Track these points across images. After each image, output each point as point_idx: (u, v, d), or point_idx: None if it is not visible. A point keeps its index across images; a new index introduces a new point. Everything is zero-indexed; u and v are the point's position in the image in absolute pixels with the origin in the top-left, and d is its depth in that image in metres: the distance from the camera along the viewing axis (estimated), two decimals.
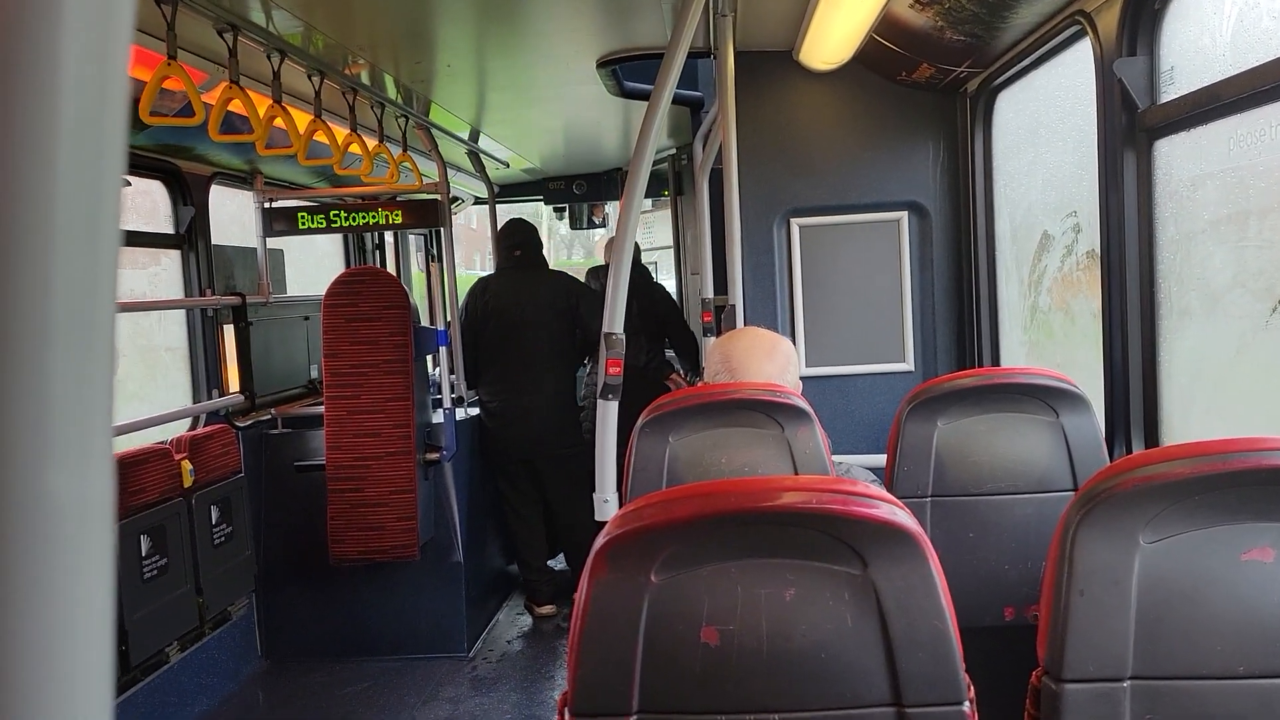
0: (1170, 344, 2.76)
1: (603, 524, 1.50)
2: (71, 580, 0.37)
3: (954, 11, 3.24)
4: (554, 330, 5.61)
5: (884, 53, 3.95)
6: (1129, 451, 2.88)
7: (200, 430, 4.71)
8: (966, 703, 1.37)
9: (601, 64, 4.39)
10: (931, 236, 4.35)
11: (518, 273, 5.73)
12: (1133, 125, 2.76)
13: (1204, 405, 2.63)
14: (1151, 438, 2.84)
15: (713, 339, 4.39)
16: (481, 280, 5.97)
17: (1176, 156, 2.67)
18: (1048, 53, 3.41)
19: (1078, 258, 3.43)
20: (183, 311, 4.90)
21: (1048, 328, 3.81)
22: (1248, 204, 2.32)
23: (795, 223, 4.42)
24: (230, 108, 3.41)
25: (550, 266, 6.10)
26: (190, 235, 4.77)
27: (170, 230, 4.74)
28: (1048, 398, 2.54)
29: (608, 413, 2.73)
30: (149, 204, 4.67)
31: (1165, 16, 2.66)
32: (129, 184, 4.40)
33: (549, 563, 5.96)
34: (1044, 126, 3.67)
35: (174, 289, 4.85)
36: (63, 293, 0.37)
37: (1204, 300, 2.56)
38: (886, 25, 3.67)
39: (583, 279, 6.26)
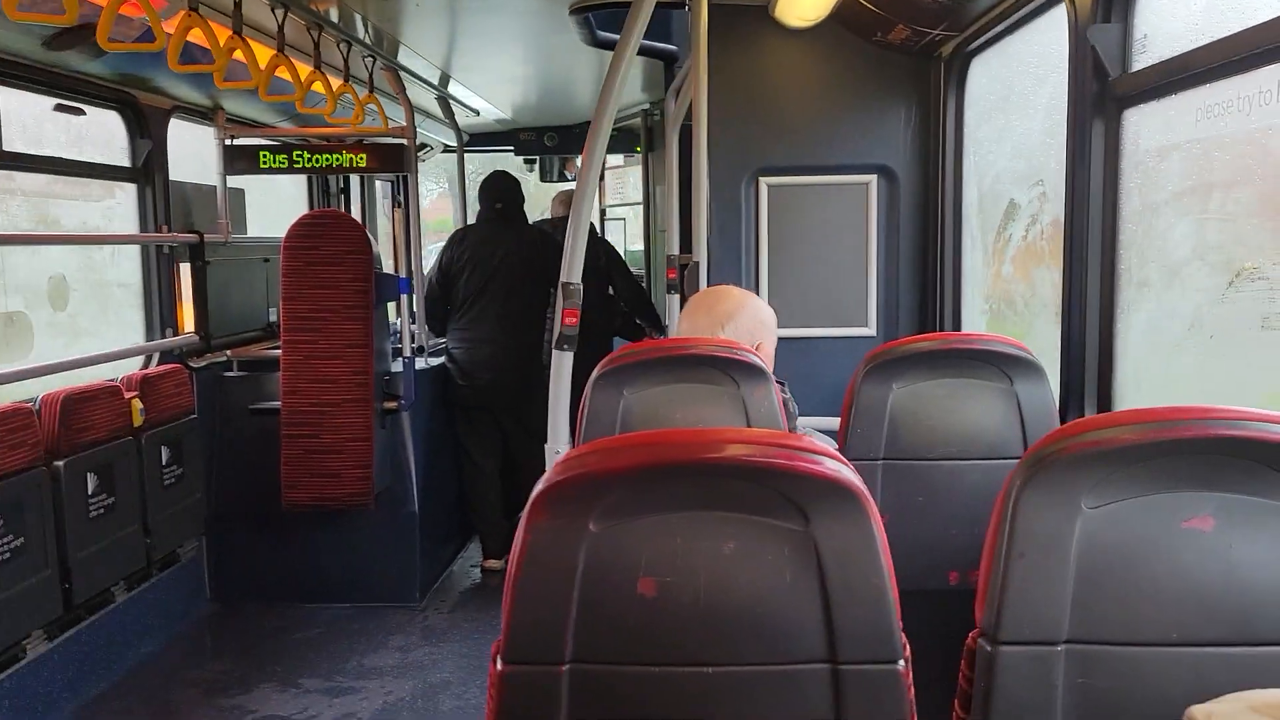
0: (1128, 315, 2.76)
1: None
2: None
3: None
4: (528, 284, 5.58)
5: (860, 11, 3.91)
6: None
7: (153, 369, 4.63)
8: (901, 661, 1.36)
9: (574, 10, 4.31)
10: (899, 201, 4.33)
11: (497, 225, 5.68)
12: (1103, 94, 2.74)
13: (1158, 376, 2.64)
14: (1105, 408, 2.85)
15: (675, 297, 4.36)
16: (460, 230, 5.96)
17: (1145, 126, 2.66)
18: (1023, 18, 3.38)
19: (1042, 227, 3.42)
20: (137, 248, 4.79)
21: (1009, 296, 3.81)
22: (1211, 177, 2.31)
23: (764, 181, 4.39)
24: (189, 38, 3.32)
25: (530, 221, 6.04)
26: (147, 169, 4.65)
27: (126, 163, 4.63)
28: (1003, 365, 2.54)
29: (562, 363, 2.70)
30: (104, 134, 4.55)
31: None
32: (83, 113, 4.28)
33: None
34: (1016, 94, 3.65)
35: (129, 224, 4.74)
36: None
37: (1163, 273, 2.57)
38: None
39: None
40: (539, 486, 1.37)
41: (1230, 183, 2.24)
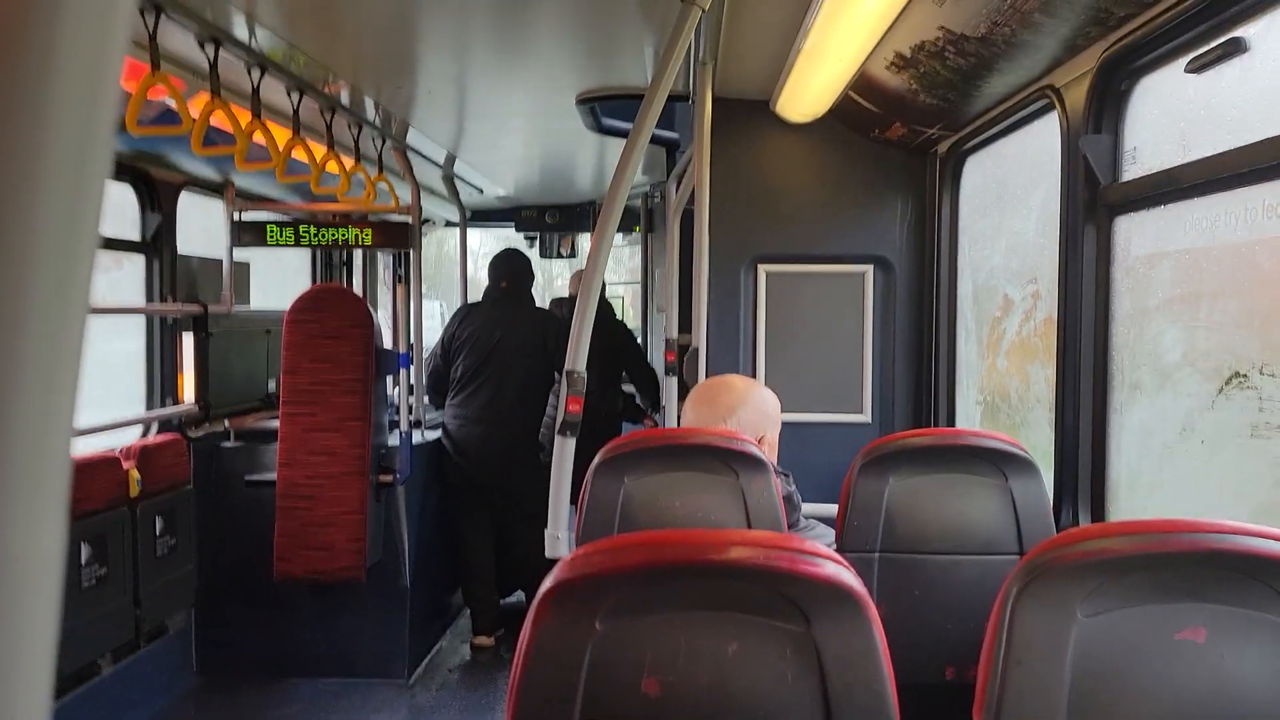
0: (1121, 417, 2.81)
1: (553, 561, 1.50)
2: (14, 637, 0.37)
3: (929, 76, 3.31)
4: (527, 365, 5.63)
5: (859, 110, 4.02)
6: (1075, 520, 2.92)
7: (151, 439, 4.65)
8: None
9: (581, 100, 4.43)
10: (895, 292, 4.41)
11: (501, 303, 5.75)
12: (1094, 200, 2.83)
13: (1151, 479, 2.68)
14: (1098, 508, 2.88)
15: (674, 379, 4.41)
16: (464, 306, 6.04)
17: (1136, 233, 2.73)
18: (1017, 122, 3.49)
19: (1036, 324, 3.49)
20: (140, 318, 4.84)
21: (1004, 389, 3.87)
22: (1200, 286, 2.38)
23: (763, 269, 4.46)
24: (210, 121, 3.41)
25: (536, 303, 6.10)
26: (156, 242, 4.73)
27: (136, 236, 4.70)
28: (998, 461, 2.58)
29: (564, 449, 2.73)
30: (112, 208, 4.63)
31: (1131, 98, 2.74)
32: None
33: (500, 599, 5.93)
34: (1010, 193, 3.74)
35: (135, 295, 4.80)
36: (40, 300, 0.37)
37: (1155, 376, 2.62)
38: (863, 84, 3.74)
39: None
40: (545, 584, 1.40)
41: (1218, 292, 2.31)
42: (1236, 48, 2.21)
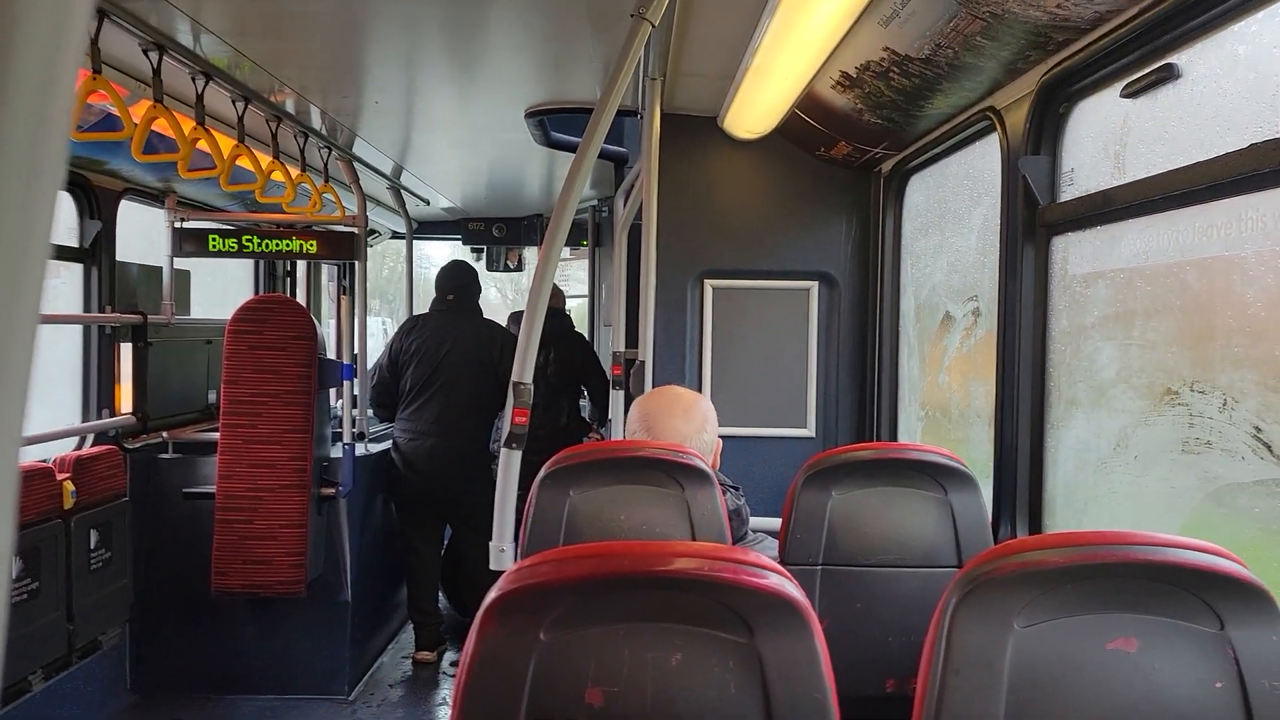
0: (1058, 432, 2.87)
1: (499, 573, 1.50)
2: None
3: (873, 96, 3.36)
4: (475, 376, 5.60)
5: (805, 128, 4.08)
6: (1013, 533, 2.97)
7: (86, 450, 4.55)
8: None
9: (530, 113, 4.44)
10: (839, 308, 4.47)
11: (449, 315, 5.72)
12: (1033, 220, 2.90)
13: (1086, 494, 2.74)
14: (1036, 521, 2.94)
15: (621, 392, 4.42)
16: (411, 318, 5.99)
17: (1072, 253, 2.80)
18: (959, 142, 3.56)
19: (976, 340, 3.55)
20: (77, 327, 4.75)
21: (945, 404, 3.93)
22: (1134, 305, 2.44)
23: (709, 284, 4.50)
24: (153, 127, 3.36)
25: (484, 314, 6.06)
26: (95, 250, 4.64)
27: (74, 243, 4.61)
28: (938, 475, 2.61)
29: (510, 461, 2.72)
30: None
31: (1069, 120, 2.81)
32: None
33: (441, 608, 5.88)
34: (952, 211, 3.81)
35: (72, 304, 4.70)
36: None
37: (1091, 393, 2.68)
38: (809, 102, 3.79)
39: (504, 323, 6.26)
40: (490, 595, 1.40)
41: (1151, 311, 2.37)
42: (1169, 74, 2.28)
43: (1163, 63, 2.30)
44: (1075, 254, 2.78)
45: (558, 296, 6.41)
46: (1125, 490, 2.50)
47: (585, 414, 6.30)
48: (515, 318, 6.49)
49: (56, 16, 0.38)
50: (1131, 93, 2.42)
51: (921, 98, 3.19)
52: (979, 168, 3.46)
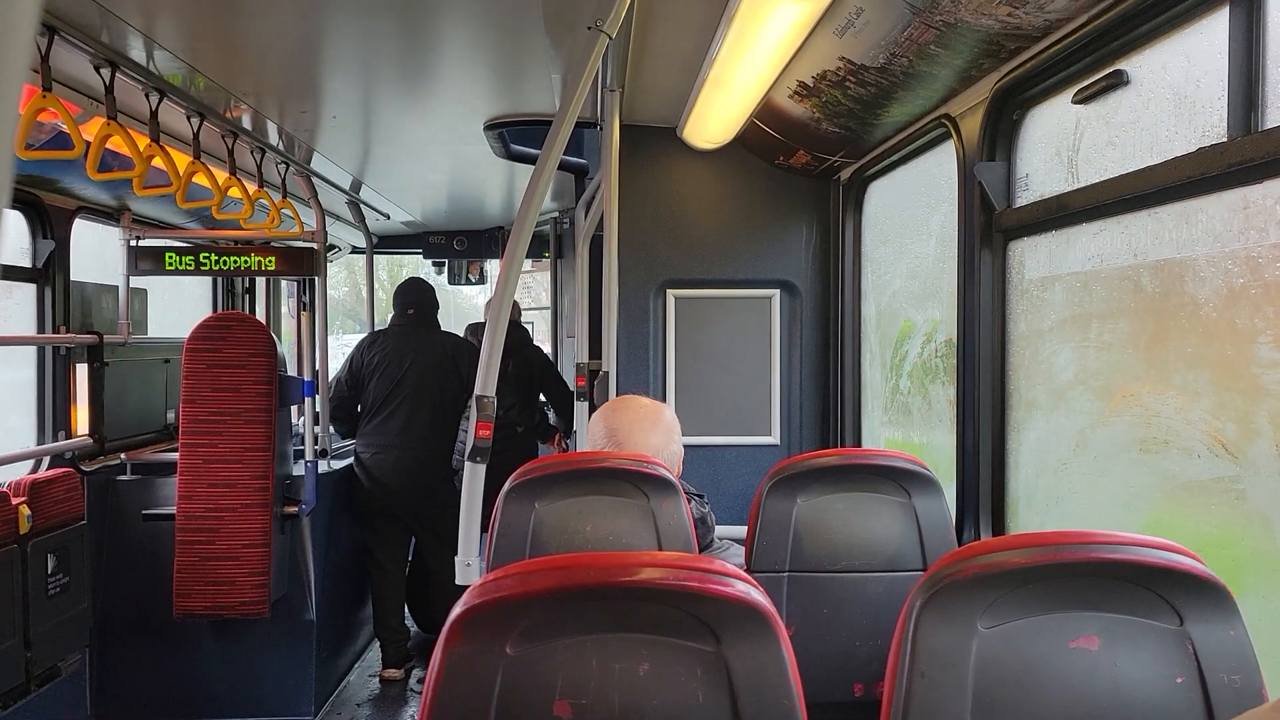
0: (1018, 434, 2.90)
1: (465, 588, 1.49)
2: None
3: (830, 105, 3.39)
4: (437, 390, 5.59)
5: (763, 137, 4.10)
6: (977, 535, 3.00)
7: (42, 474, 4.47)
8: None
9: (489, 126, 4.43)
10: (801, 315, 4.50)
11: (409, 330, 5.72)
12: (990, 225, 2.93)
13: (1049, 494, 2.77)
14: (998, 522, 2.96)
15: (585, 404, 4.42)
16: (371, 334, 5.99)
17: (1029, 257, 2.84)
18: (916, 150, 3.59)
19: (937, 345, 3.59)
20: (31, 348, 4.67)
21: (907, 410, 3.96)
22: (1090, 308, 2.48)
23: (671, 293, 4.51)
24: (107, 145, 3.32)
25: (442, 328, 6.04)
26: (49, 269, 4.57)
27: (27, 263, 4.54)
28: (901, 479, 2.63)
29: (475, 475, 2.71)
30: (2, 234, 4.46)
31: (1023, 126, 2.85)
32: None
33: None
34: (911, 219, 3.85)
35: (25, 325, 4.62)
36: None
37: (1050, 395, 2.71)
38: (767, 112, 3.81)
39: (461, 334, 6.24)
40: (455, 610, 1.39)
41: (1107, 314, 2.41)
42: (1119, 80, 2.32)
43: (1112, 69, 2.33)
44: (1032, 258, 2.82)
45: (513, 309, 6.40)
46: (1086, 490, 2.53)
47: (551, 422, 6.28)
48: (472, 328, 6.47)
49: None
50: (1083, 99, 2.45)
51: (878, 106, 3.22)
52: (937, 173, 3.50)
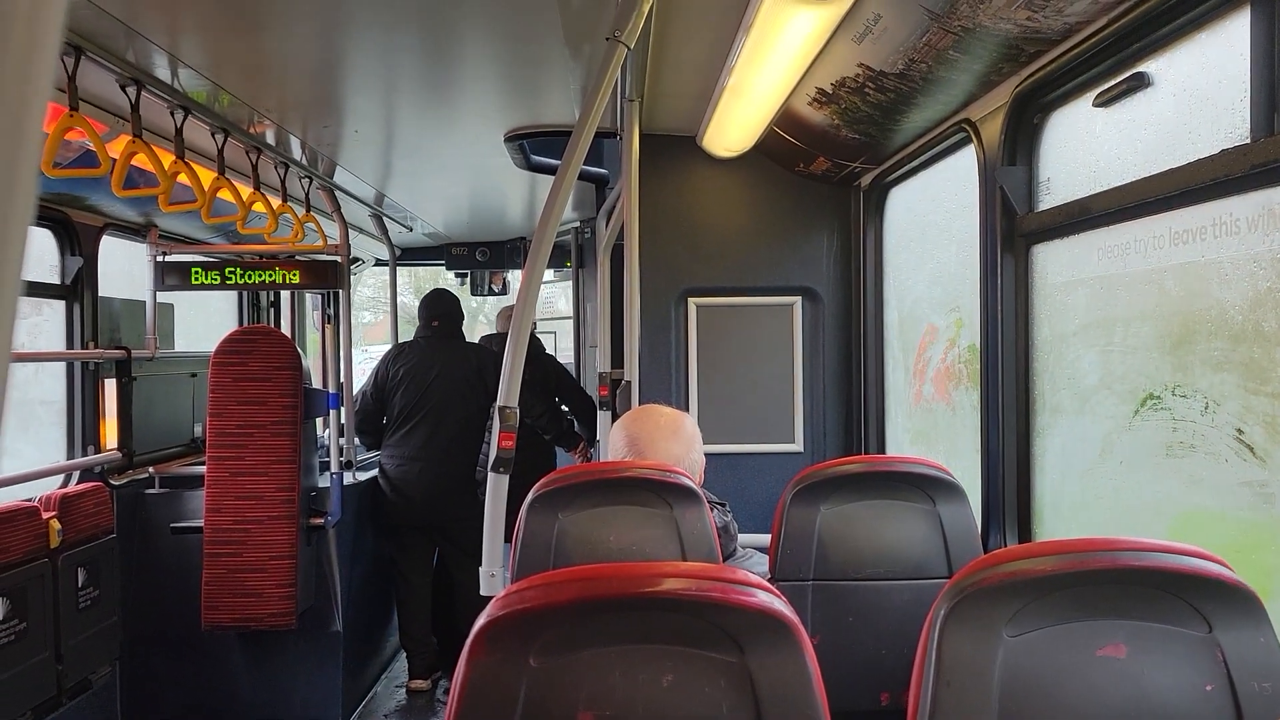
0: (1043, 440, 2.88)
1: (489, 599, 1.50)
2: None
3: (850, 111, 3.38)
4: (463, 401, 5.61)
5: (783, 145, 4.10)
6: (1003, 542, 2.98)
7: (72, 488, 4.52)
8: None
9: (509, 138, 4.45)
10: (823, 322, 4.49)
11: (434, 342, 5.75)
12: (1012, 230, 2.91)
13: (1073, 500, 2.75)
14: (1025, 529, 2.94)
15: (608, 414, 4.42)
16: (397, 346, 6.02)
17: (1052, 262, 2.82)
18: (936, 155, 3.58)
19: (960, 351, 3.57)
20: (61, 364, 4.72)
21: (931, 416, 3.94)
22: (1114, 311, 2.46)
23: (693, 302, 4.51)
24: (132, 162, 3.35)
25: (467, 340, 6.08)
26: (77, 286, 4.62)
27: (56, 279, 4.60)
28: (926, 487, 2.62)
29: (498, 485, 2.72)
30: (33, 252, 4.52)
31: (1044, 130, 2.83)
32: None
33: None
34: (932, 224, 3.83)
35: (55, 341, 4.68)
36: None
37: (1074, 400, 2.69)
38: (786, 119, 3.81)
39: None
40: (479, 621, 1.39)
41: (1131, 318, 2.39)
42: (1140, 82, 2.30)
43: (1133, 71, 2.32)
44: (1054, 263, 2.80)
45: None
46: (1112, 496, 2.51)
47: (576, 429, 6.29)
48: (486, 339, 6.49)
49: (24, 53, 0.38)
50: (1104, 102, 2.44)
51: (897, 112, 3.22)
52: (958, 178, 3.48)
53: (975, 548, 2.61)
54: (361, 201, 6.07)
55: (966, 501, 2.64)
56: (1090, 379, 2.60)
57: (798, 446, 4.52)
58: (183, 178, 3.59)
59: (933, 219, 3.82)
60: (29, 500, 4.21)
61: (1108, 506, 2.54)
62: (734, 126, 4.00)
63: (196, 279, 5.13)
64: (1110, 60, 2.41)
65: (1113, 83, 2.40)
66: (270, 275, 5.17)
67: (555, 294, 10.04)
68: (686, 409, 4.42)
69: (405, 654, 5.78)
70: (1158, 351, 2.30)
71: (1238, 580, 1.42)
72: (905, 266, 4.15)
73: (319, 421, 5.35)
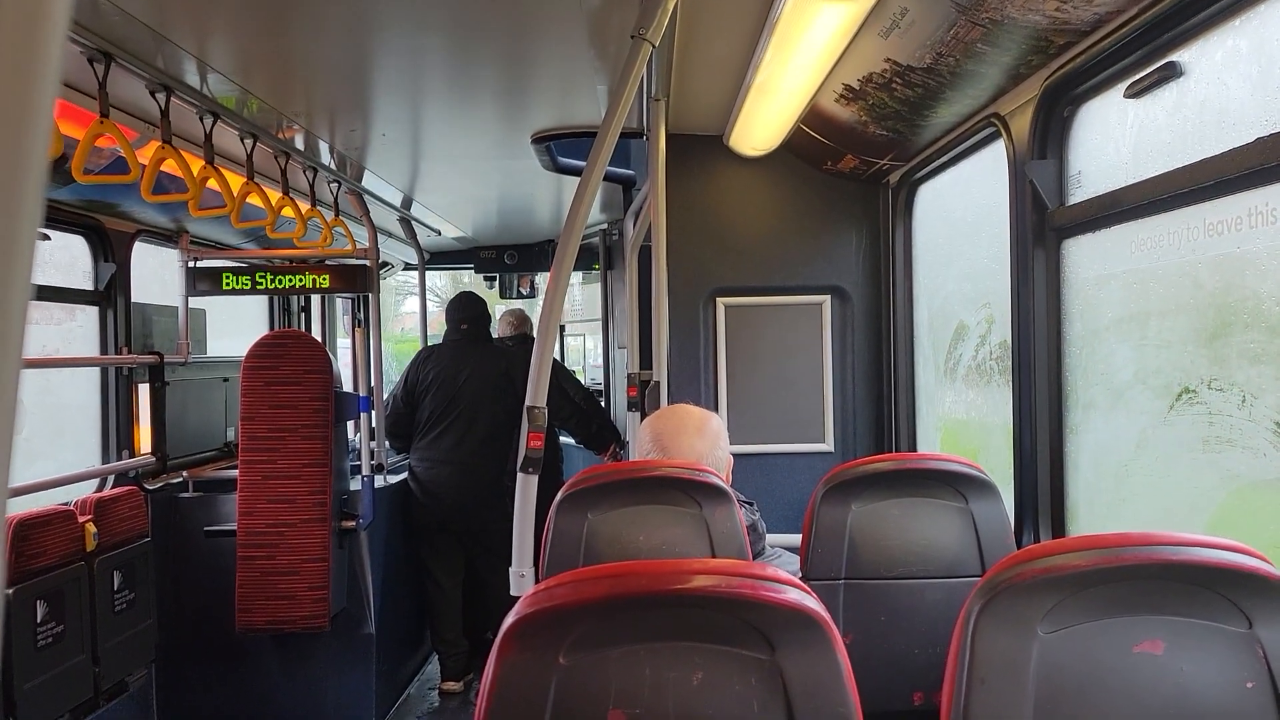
0: (1077, 436, 2.84)
1: (518, 599, 1.49)
2: None
3: (877, 107, 3.36)
4: (492, 404, 5.63)
5: (811, 142, 4.08)
6: (1037, 539, 2.95)
7: (107, 492, 4.57)
8: None
9: (536, 140, 4.46)
10: (853, 320, 4.46)
11: (463, 345, 5.78)
12: (1043, 224, 2.88)
13: (1108, 497, 2.71)
14: (1058, 526, 2.91)
15: (636, 414, 4.42)
16: (426, 349, 6.05)
17: (1084, 256, 2.78)
18: (965, 150, 3.55)
19: (991, 348, 3.53)
20: (95, 369, 4.78)
21: (963, 413, 3.90)
22: (1148, 305, 2.42)
23: (721, 301, 4.50)
24: (162, 168, 3.38)
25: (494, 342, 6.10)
26: (110, 292, 4.67)
27: (89, 285, 4.65)
28: (958, 484, 2.60)
29: (527, 486, 2.72)
30: (67, 258, 4.57)
31: (1074, 123, 2.80)
32: (48, 238, 4.31)
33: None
34: (962, 220, 3.80)
35: (89, 346, 4.73)
36: None
37: (1108, 395, 2.66)
38: (813, 117, 3.79)
39: None
40: (509, 620, 1.39)
41: (1165, 311, 2.35)
42: (1172, 72, 2.27)
43: (1164, 61, 2.29)
44: (1086, 257, 2.77)
45: (525, 322, 6.44)
46: (1147, 492, 2.48)
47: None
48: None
49: (28, 48, 0.38)
50: (1135, 93, 2.41)
51: (925, 107, 3.19)
52: (987, 172, 3.45)
53: (1009, 545, 2.58)
54: (390, 205, 6.10)
55: (1000, 499, 2.61)
56: (1124, 374, 2.56)
57: (828, 446, 4.49)
58: (212, 183, 3.62)
59: (962, 215, 3.79)
60: (65, 504, 4.26)
61: (1144, 502, 2.50)
62: (761, 125, 3.98)
63: (227, 284, 5.17)
64: (1141, 50, 2.37)
65: (1144, 73, 2.36)
66: (300, 280, 5.20)
67: (585, 296, 10.03)
68: (716, 409, 4.41)
69: (437, 656, 5.80)
70: (1193, 345, 2.26)
71: (1278, 575, 1.40)
72: (935, 263, 4.12)
73: (350, 425, 5.38)
